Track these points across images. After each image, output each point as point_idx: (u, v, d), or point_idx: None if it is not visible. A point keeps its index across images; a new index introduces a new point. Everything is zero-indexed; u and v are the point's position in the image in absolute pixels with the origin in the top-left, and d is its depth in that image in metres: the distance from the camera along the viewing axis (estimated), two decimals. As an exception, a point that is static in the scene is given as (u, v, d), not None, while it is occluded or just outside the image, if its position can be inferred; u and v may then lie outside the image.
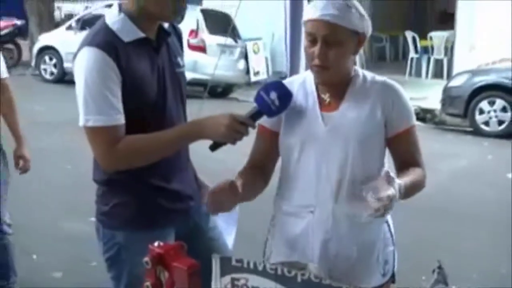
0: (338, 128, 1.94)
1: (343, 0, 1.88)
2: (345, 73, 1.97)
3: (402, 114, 1.97)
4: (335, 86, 1.97)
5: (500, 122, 8.73)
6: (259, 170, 2.04)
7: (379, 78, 2.02)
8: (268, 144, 2.06)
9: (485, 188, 6.19)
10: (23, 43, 14.83)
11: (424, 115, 9.69)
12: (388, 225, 2.06)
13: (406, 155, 1.98)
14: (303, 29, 1.98)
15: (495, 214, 5.39)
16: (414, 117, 2.02)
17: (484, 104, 8.80)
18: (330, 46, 1.87)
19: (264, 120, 1.99)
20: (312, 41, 1.89)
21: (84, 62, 1.90)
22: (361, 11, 1.91)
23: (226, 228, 2.36)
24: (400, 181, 1.74)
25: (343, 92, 1.97)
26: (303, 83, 2.03)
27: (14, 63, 13.95)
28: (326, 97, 1.98)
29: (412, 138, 1.99)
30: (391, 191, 1.67)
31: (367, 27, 1.93)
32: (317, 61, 1.89)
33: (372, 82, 1.99)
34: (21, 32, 14.80)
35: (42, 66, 12.91)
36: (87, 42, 1.92)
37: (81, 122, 1.92)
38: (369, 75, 2.02)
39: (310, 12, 1.90)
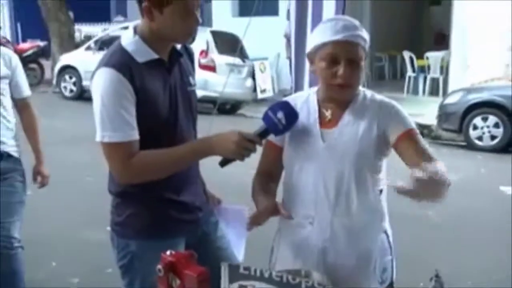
0: (335, 145, 1.93)
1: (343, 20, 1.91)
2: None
3: (399, 119, 1.94)
4: (340, 103, 1.97)
5: (493, 137, 8.70)
6: (268, 180, 2.05)
7: (378, 96, 2.01)
8: (274, 157, 2.06)
9: (479, 200, 6.16)
10: (46, 63, 14.94)
11: (421, 130, 9.63)
12: (387, 236, 2.05)
13: (416, 157, 1.86)
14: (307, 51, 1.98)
15: (489, 224, 5.35)
16: (413, 123, 1.96)
17: (477, 120, 8.78)
18: (352, 65, 1.87)
19: (270, 135, 1.98)
20: (333, 61, 1.88)
21: (100, 82, 1.91)
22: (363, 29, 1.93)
23: (236, 241, 2.35)
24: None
25: (345, 109, 1.97)
26: (306, 101, 2.03)
27: (37, 82, 14.08)
28: (328, 114, 1.98)
29: (416, 139, 1.92)
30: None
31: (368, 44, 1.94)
32: (340, 80, 1.88)
33: (371, 100, 1.99)
34: (44, 52, 14.94)
35: (63, 84, 12.98)
36: (104, 63, 1.93)
37: (98, 138, 1.92)
38: (368, 93, 2.02)
39: (326, 34, 1.88)
